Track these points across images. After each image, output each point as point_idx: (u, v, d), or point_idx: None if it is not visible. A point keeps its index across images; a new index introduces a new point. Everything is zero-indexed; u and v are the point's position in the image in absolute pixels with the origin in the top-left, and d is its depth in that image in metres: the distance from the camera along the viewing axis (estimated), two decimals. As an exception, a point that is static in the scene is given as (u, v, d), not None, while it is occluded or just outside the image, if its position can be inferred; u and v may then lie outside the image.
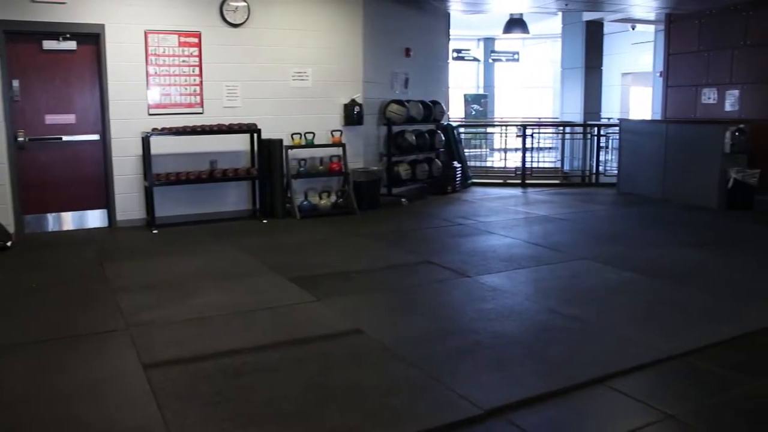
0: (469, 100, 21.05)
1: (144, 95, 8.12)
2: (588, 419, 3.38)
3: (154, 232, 7.84)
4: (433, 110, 10.51)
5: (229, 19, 8.49)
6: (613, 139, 13.10)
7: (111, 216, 8.15)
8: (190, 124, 8.22)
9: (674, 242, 7.32)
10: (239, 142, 8.67)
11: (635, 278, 5.82)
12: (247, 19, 8.58)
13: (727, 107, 10.62)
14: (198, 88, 8.39)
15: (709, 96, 10.95)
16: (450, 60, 13.42)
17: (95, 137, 8.03)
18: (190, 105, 8.37)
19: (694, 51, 11.18)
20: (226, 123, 8.40)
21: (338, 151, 9.21)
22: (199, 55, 8.36)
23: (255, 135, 8.56)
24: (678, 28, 11.53)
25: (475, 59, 22.69)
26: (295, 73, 9.00)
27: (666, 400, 3.49)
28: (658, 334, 4.42)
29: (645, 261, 6.43)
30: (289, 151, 8.91)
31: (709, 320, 4.74)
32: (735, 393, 3.58)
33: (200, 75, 8.38)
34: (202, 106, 8.43)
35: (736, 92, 10.49)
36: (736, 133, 9.35)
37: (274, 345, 4.23)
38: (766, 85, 10.05)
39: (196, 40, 8.32)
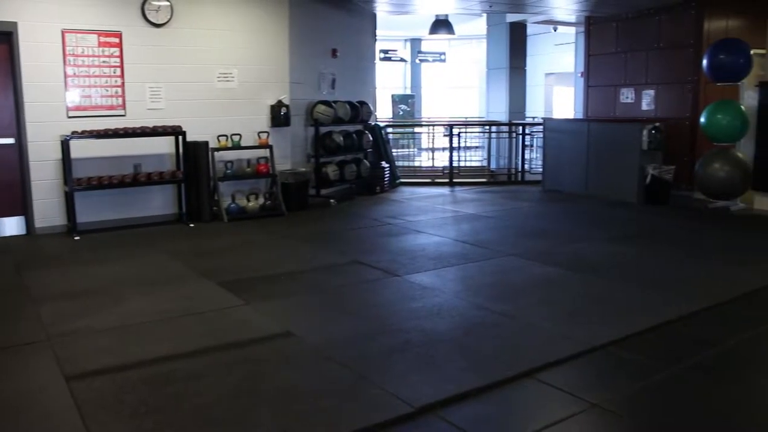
0: (397, 100, 21.20)
1: (62, 97, 7.85)
2: (517, 412, 3.45)
3: (76, 238, 7.59)
4: (360, 111, 10.53)
5: (151, 19, 8.30)
6: (537, 138, 13.42)
7: (29, 223, 7.84)
8: (112, 127, 7.99)
9: (597, 237, 7.55)
10: (164, 145, 8.48)
11: (560, 273, 5.98)
12: (170, 18, 8.41)
13: (644, 106, 11.02)
14: (120, 89, 8.17)
15: (627, 95, 11.34)
16: (377, 60, 13.48)
17: (10, 141, 7.72)
18: (111, 107, 8.15)
19: (612, 52, 11.56)
20: (150, 125, 8.22)
21: (265, 152, 9.13)
22: (121, 56, 8.14)
23: (180, 137, 8.39)
24: (597, 31, 11.90)
25: (402, 60, 22.86)
26: (220, 74, 8.87)
27: (590, 389, 3.60)
28: (582, 326, 4.55)
29: (569, 256, 6.61)
30: (216, 153, 8.78)
31: (630, 311, 4.91)
32: (654, 380, 3.72)
33: (122, 76, 8.16)
34: (124, 108, 8.21)
35: (652, 92, 10.90)
36: (653, 131, 9.72)
37: (202, 351, 4.16)
38: (678, 86, 10.48)
39: (116, 40, 8.10)
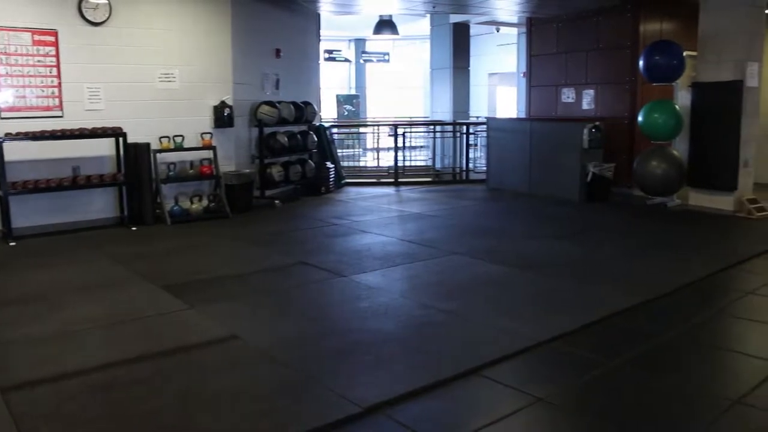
0: (342, 100, 21.18)
1: (-5, 98, 7.60)
2: (464, 409, 3.49)
3: (12, 244, 7.35)
4: (304, 111, 10.48)
5: (88, 17, 8.09)
6: (481, 137, 13.58)
7: (-39, 228, 7.57)
8: (49, 128, 7.76)
9: (540, 235, 7.68)
10: (104, 147, 8.28)
11: (505, 271, 6.07)
12: (108, 17, 8.21)
13: (584, 106, 11.26)
14: (56, 89, 7.94)
15: (567, 95, 11.57)
16: (321, 61, 13.44)
17: (-60, 144, 7.43)
18: (47, 108, 7.91)
19: (553, 53, 11.78)
20: (89, 127, 8.01)
21: (209, 154, 9.00)
22: (57, 55, 7.91)
23: (120, 139, 8.21)
24: (538, 31, 12.11)
25: (347, 60, 22.84)
26: (161, 74, 8.71)
27: (535, 384, 3.67)
28: (526, 322, 4.63)
29: (514, 254, 6.71)
30: (158, 155, 8.62)
31: (574, 306, 5.01)
32: (595, 373, 3.81)
33: (58, 76, 7.93)
34: (61, 109, 7.98)
35: (592, 92, 11.14)
36: (593, 130, 9.94)
37: (146, 356, 4.08)
38: (617, 86, 10.74)
39: (52, 38, 7.86)
